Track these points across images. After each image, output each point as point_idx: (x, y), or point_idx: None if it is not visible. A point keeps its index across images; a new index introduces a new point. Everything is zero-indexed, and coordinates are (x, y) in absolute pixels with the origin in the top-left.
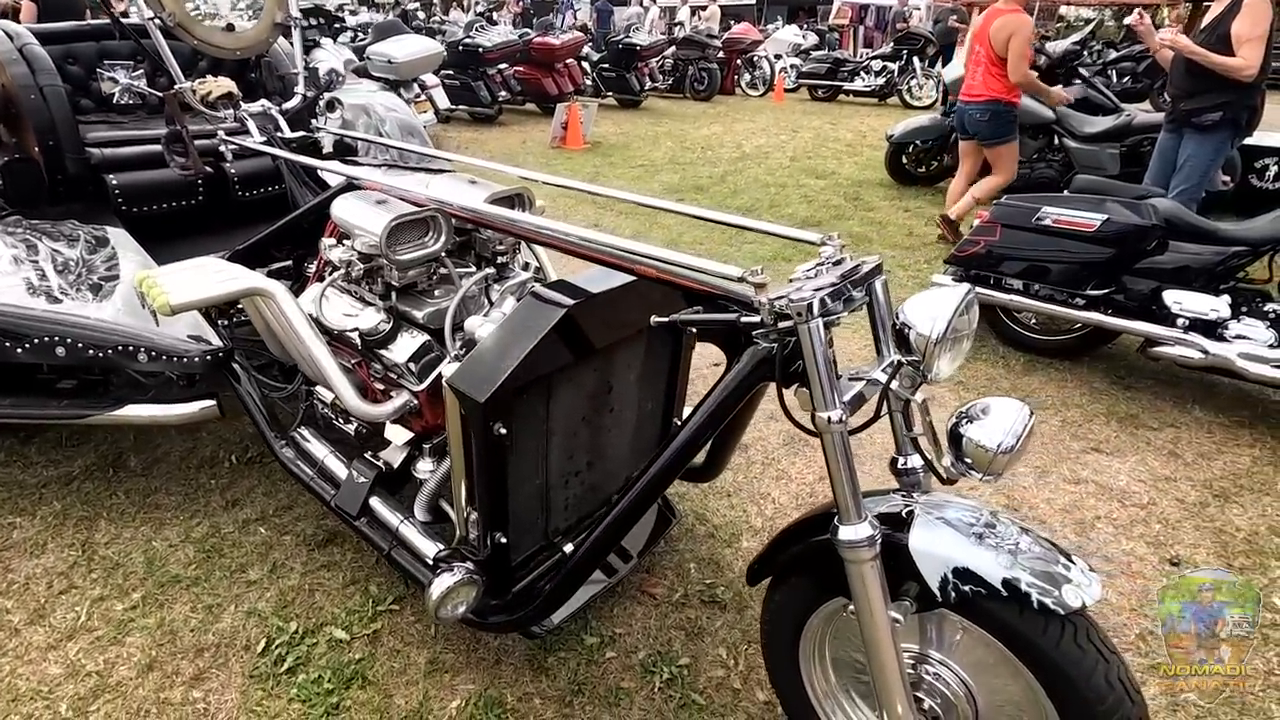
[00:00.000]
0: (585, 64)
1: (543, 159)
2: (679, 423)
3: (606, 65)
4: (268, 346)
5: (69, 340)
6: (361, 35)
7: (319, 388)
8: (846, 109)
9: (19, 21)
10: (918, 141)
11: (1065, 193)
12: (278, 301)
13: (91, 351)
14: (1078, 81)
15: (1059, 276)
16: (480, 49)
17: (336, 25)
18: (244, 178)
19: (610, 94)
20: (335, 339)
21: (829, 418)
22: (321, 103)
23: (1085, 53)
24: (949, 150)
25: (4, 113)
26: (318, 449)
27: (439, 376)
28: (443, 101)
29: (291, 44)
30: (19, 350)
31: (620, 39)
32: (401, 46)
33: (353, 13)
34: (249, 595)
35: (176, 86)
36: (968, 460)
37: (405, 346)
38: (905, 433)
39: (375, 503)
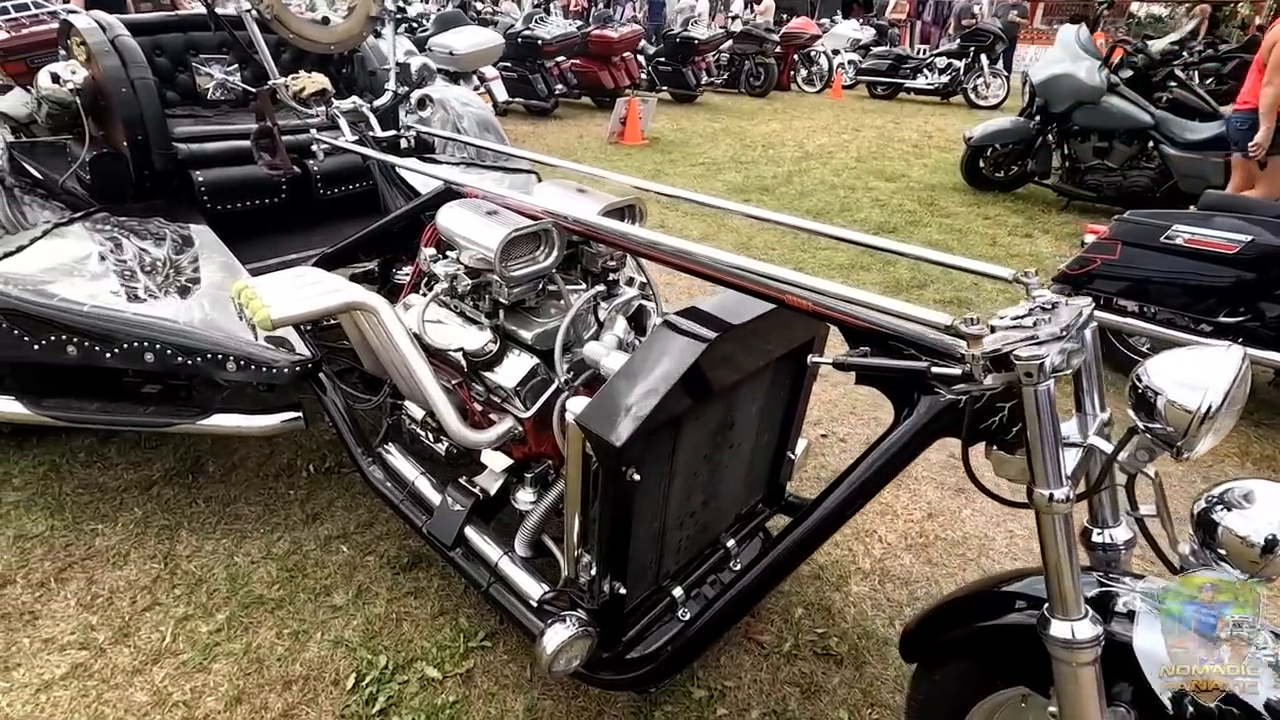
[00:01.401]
0: (640, 57)
1: (601, 154)
2: (793, 456)
3: (663, 59)
4: (360, 359)
5: (158, 346)
6: (420, 26)
7: (407, 403)
8: (908, 108)
9: None
10: (997, 145)
11: (1192, 209)
12: (380, 318)
13: (180, 358)
14: (1173, 83)
15: (1187, 300)
16: (539, 41)
17: (397, 16)
18: (326, 175)
19: (665, 88)
20: (435, 357)
21: (1052, 495)
22: (412, 100)
23: (1185, 53)
24: (1034, 155)
25: (93, 105)
26: (407, 469)
27: (546, 403)
28: (501, 94)
29: (383, 38)
30: (107, 355)
31: (678, 32)
32: (463, 38)
33: (407, 3)
34: (335, 622)
35: (270, 82)
36: (1221, 552)
37: (513, 370)
38: (1128, 511)
39: (471, 533)
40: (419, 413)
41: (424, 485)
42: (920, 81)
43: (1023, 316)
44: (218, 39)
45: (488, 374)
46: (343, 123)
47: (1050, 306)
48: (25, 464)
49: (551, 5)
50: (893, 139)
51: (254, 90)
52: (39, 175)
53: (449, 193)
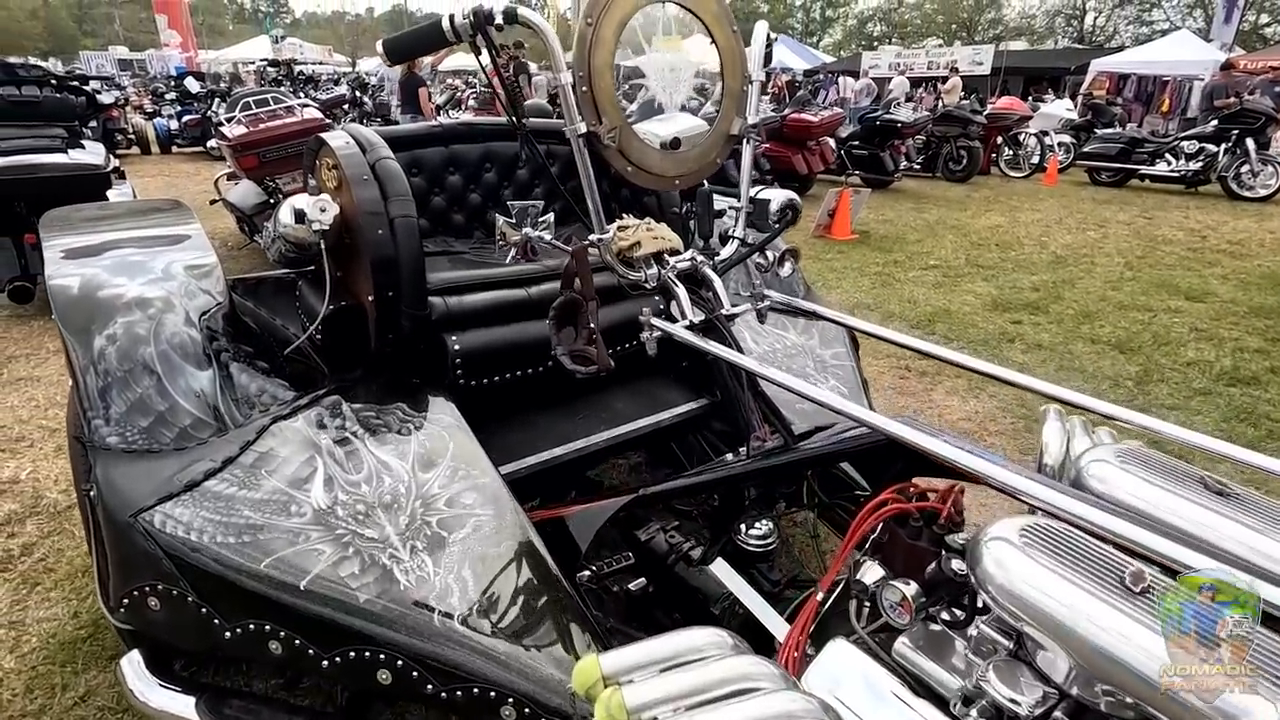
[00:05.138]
0: (831, 141)
1: (810, 251)
2: None
3: (857, 143)
4: None
5: (399, 662)
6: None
7: None
8: (1148, 198)
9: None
10: None
11: None
12: None
13: (430, 685)
14: None
15: None
16: None
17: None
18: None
19: (856, 173)
20: None
21: None
22: (769, 256)
23: None
24: None
25: (337, 243)
26: None
27: None
28: None
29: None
30: (324, 663)
31: (878, 114)
32: (670, 125)
33: None
34: None
35: (592, 236)
36: None
37: None
38: None
39: None
40: None
41: None
42: (1160, 167)
43: None
44: (479, 153)
45: None
46: (681, 294)
47: None
48: None
49: None
50: (1155, 239)
51: (564, 246)
52: (256, 328)
53: (893, 449)
